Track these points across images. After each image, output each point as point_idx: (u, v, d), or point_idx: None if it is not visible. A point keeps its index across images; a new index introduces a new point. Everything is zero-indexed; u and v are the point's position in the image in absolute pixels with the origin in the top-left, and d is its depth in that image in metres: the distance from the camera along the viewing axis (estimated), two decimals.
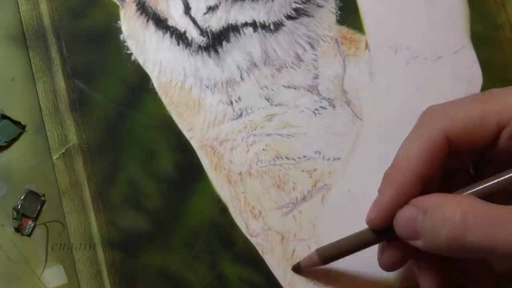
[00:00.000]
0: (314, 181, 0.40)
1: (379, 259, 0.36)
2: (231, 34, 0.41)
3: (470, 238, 0.31)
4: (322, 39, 0.41)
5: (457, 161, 0.35)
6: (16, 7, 0.40)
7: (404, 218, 0.34)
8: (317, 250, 0.37)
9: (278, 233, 0.39)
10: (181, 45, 0.40)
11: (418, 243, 0.33)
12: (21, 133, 0.39)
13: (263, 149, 0.40)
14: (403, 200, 0.34)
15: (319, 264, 0.37)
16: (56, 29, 0.40)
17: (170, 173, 0.39)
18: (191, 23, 0.41)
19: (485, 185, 0.33)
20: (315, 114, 0.40)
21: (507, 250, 0.31)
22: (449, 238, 0.32)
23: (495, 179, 0.33)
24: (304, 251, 0.39)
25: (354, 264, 0.38)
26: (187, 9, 0.41)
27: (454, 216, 0.31)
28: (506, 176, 0.33)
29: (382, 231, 0.35)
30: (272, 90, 0.40)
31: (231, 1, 0.41)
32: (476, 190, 0.33)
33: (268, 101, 0.40)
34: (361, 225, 0.39)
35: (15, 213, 0.38)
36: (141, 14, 0.41)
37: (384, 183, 0.35)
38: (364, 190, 0.39)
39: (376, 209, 0.34)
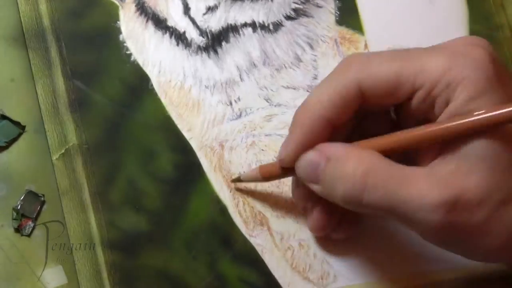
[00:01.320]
0: None
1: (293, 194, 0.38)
2: (231, 35, 0.41)
3: (366, 198, 0.31)
4: (321, 40, 0.41)
5: (372, 109, 0.35)
6: (15, 7, 0.40)
7: (306, 162, 0.34)
8: (260, 167, 0.37)
9: (277, 233, 0.39)
10: (180, 45, 0.40)
11: (317, 188, 0.34)
12: (20, 134, 0.39)
13: (263, 150, 0.40)
14: (311, 143, 0.34)
15: (260, 179, 0.37)
16: (56, 30, 0.40)
17: (169, 173, 0.39)
18: (191, 24, 0.41)
19: (388, 140, 0.33)
20: None
21: (402, 212, 0.31)
22: (346, 195, 0.32)
23: (401, 136, 0.33)
24: (304, 251, 0.39)
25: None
26: (186, 9, 0.41)
27: (354, 173, 0.32)
28: (414, 133, 0.32)
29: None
30: (272, 90, 0.40)
31: (231, 1, 0.41)
32: (380, 144, 0.33)
33: (268, 102, 0.40)
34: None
35: (14, 214, 0.38)
36: (141, 14, 0.41)
37: (293, 123, 0.35)
38: None
39: (285, 151, 0.35)
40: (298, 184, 0.37)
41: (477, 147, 0.31)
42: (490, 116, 0.30)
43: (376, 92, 0.33)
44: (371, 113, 0.36)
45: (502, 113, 0.30)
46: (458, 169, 0.31)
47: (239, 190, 0.39)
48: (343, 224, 0.37)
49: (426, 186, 0.30)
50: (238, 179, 0.39)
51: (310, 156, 0.34)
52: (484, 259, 0.34)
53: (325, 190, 0.33)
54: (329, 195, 0.33)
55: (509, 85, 0.32)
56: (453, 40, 0.34)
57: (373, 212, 0.33)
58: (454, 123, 0.31)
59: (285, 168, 0.35)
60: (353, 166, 0.32)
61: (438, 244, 0.33)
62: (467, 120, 0.31)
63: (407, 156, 0.33)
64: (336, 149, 0.33)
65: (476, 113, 0.31)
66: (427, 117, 0.33)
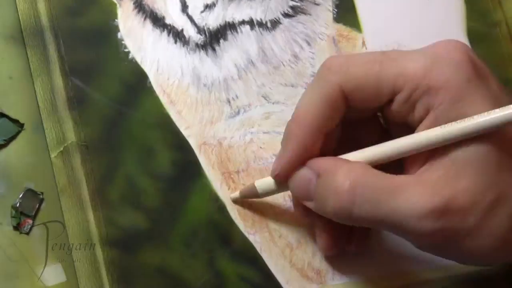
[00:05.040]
0: None
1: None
2: (228, 32, 0.41)
3: (356, 211, 0.31)
4: (319, 37, 0.41)
5: (359, 114, 0.35)
6: (13, 5, 0.40)
7: (299, 179, 0.34)
8: (257, 181, 0.37)
9: (276, 230, 0.39)
10: (178, 43, 0.41)
11: (311, 205, 0.34)
12: (19, 132, 0.39)
13: (261, 147, 0.40)
14: (304, 155, 0.34)
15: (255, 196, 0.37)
16: (54, 28, 0.40)
17: (168, 171, 0.39)
18: (188, 21, 0.41)
19: (376, 151, 0.33)
20: None
21: (392, 223, 0.31)
22: (336, 208, 0.32)
23: (389, 147, 0.33)
24: (303, 248, 0.39)
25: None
26: (184, 7, 0.41)
27: (342, 186, 0.31)
28: (405, 143, 0.32)
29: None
30: (270, 88, 0.40)
31: None
32: (367, 156, 0.33)
33: (266, 99, 0.40)
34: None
35: (13, 212, 0.38)
36: (138, 12, 0.41)
37: (285, 137, 0.34)
38: None
39: (280, 165, 0.34)
40: (298, 201, 0.36)
41: (465, 152, 0.31)
42: (476, 123, 0.30)
43: (358, 95, 0.33)
44: (360, 119, 0.36)
45: (488, 120, 0.30)
46: (446, 174, 0.30)
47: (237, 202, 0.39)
48: (354, 236, 0.37)
49: (415, 194, 0.30)
50: (237, 199, 0.39)
51: (301, 173, 0.34)
52: (477, 263, 0.33)
53: (317, 206, 0.33)
54: (321, 210, 0.33)
55: (489, 83, 0.32)
56: (433, 44, 0.33)
57: (365, 225, 0.32)
58: (441, 132, 0.31)
59: (280, 183, 0.35)
60: (341, 180, 0.31)
61: (431, 251, 0.32)
62: (454, 127, 0.30)
63: (394, 162, 0.33)
64: (325, 163, 0.33)
65: (461, 120, 0.30)
66: (409, 120, 0.33)
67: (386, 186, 0.31)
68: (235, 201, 0.39)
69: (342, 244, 0.37)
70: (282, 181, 0.35)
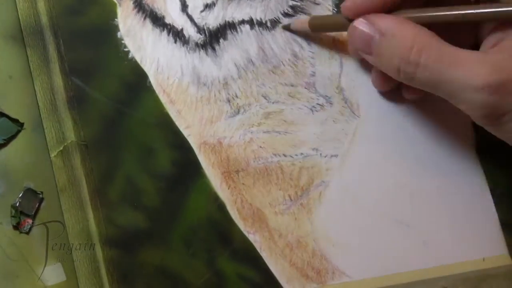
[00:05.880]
0: (312, 178, 0.40)
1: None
2: (228, 32, 0.41)
3: (418, 75, 0.33)
4: (318, 37, 0.41)
5: None
6: (13, 5, 0.40)
7: (360, 33, 0.35)
8: (311, 17, 0.39)
9: (275, 230, 0.39)
10: (178, 42, 0.41)
11: (369, 58, 0.35)
12: (19, 131, 0.39)
13: (261, 147, 0.40)
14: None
15: (308, 29, 0.39)
16: (54, 27, 0.40)
17: (168, 170, 0.39)
18: (188, 21, 0.41)
19: (441, 13, 0.34)
20: (312, 111, 0.40)
21: (448, 90, 0.32)
22: (399, 69, 0.34)
23: (453, 11, 0.33)
24: (302, 248, 0.39)
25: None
26: (184, 6, 0.41)
27: (409, 50, 0.33)
28: (464, 11, 0.33)
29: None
30: (269, 87, 0.40)
31: None
32: (432, 15, 0.34)
33: (265, 99, 0.40)
34: (359, 222, 0.39)
35: (13, 211, 0.38)
36: (138, 11, 0.41)
37: None
38: (361, 187, 0.39)
39: (351, 2, 0.36)
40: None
41: None
42: None
43: None
44: None
45: None
46: (510, 57, 0.32)
47: None
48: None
49: (476, 68, 0.31)
50: (288, 27, 0.40)
51: (363, 27, 0.35)
52: None
53: (378, 62, 0.35)
54: (382, 67, 0.35)
55: None
56: None
57: (422, 87, 0.34)
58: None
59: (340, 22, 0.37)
60: (408, 42, 0.33)
61: (482, 123, 0.33)
62: None
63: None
64: (390, 24, 0.34)
65: None
66: None
67: (450, 55, 0.32)
68: (284, 29, 0.40)
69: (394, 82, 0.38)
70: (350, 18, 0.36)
